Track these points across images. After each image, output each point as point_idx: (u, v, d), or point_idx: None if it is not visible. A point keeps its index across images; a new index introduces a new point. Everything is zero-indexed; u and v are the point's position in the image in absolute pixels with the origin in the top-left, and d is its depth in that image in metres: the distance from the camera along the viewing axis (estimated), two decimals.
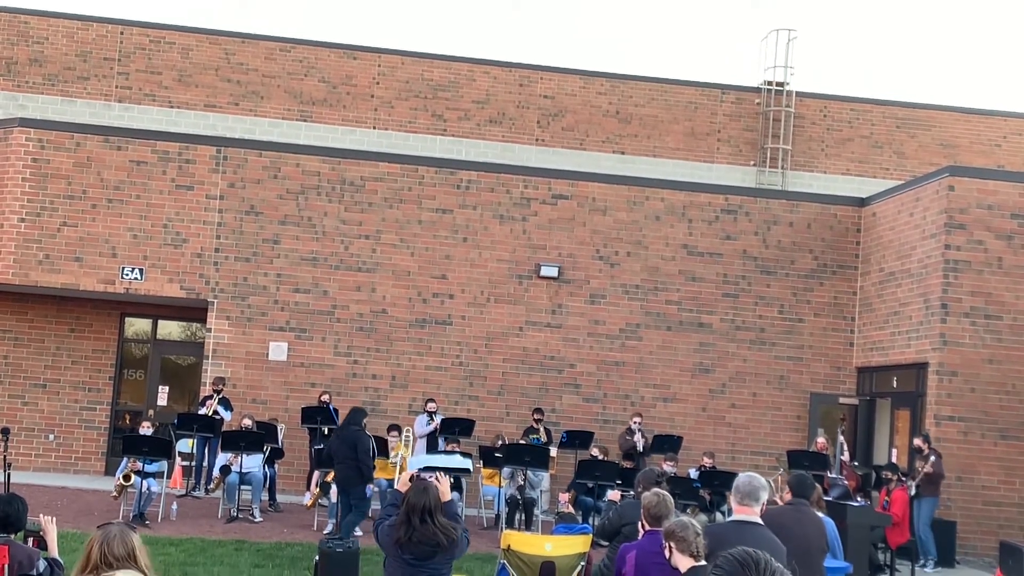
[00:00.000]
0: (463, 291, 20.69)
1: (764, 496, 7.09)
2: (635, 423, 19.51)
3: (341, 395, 19.94)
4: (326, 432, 18.43)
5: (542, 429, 19.48)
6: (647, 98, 28.13)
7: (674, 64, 56.82)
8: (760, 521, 6.99)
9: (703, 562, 6.36)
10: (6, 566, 6.81)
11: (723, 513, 17.09)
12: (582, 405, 20.68)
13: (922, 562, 16.55)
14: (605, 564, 9.36)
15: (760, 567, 3.37)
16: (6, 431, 13.35)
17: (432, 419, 19.10)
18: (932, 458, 16.75)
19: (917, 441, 17.34)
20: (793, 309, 21.16)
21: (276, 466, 18.45)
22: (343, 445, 14.62)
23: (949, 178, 18.76)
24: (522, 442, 18.38)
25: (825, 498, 13.38)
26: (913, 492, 16.66)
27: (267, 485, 17.84)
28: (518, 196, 20.97)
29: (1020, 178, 19.43)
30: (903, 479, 16.81)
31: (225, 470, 17.03)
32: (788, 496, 8.77)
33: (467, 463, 15.39)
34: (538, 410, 19.88)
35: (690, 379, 20.92)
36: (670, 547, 6.43)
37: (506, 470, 17.28)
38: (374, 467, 15.24)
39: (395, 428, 18.44)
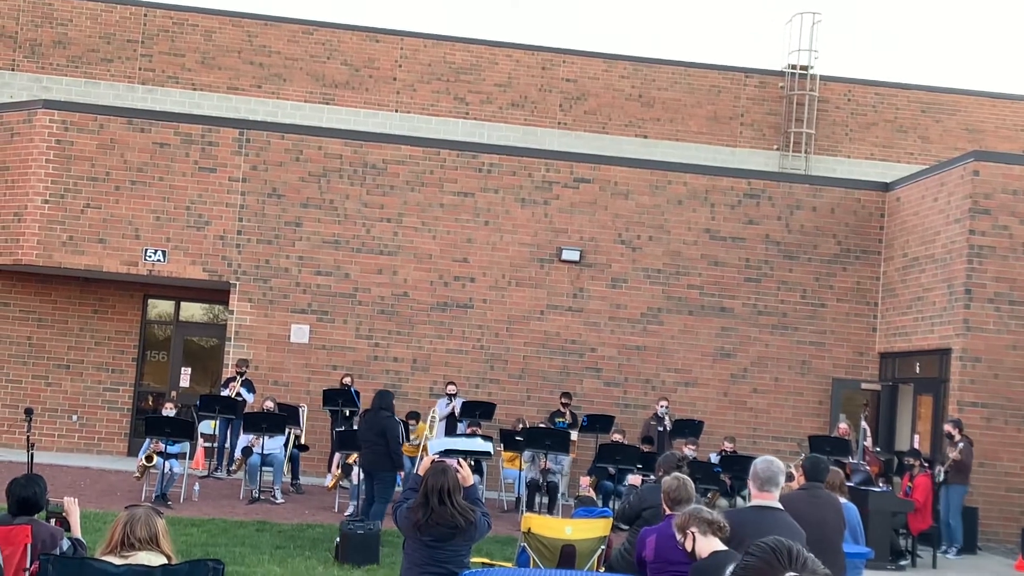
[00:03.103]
0: (484, 274, 20.68)
1: (782, 480, 7.08)
2: (661, 407, 19.50)
3: (363, 378, 19.98)
4: (347, 414, 18.50)
5: (568, 413, 19.45)
6: (670, 82, 28.02)
7: (697, 47, 56.62)
8: (779, 506, 6.96)
9: (724, 547, 6.31)
10: (29, 545, 6.85)
11: (743, 498, 17.06)
12: (603, 389, 20.67)
13: (944, 548, 16.49)
14: (625, 548, 9.36)
15: (792, 555, 3.43)
16: (30, 411, 13.38)
17: (451, 401, 19.13)
18: (961, 446, 16.61)
19: (947, 427, 17.15)
20: (816, 294, 21.08)
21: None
22: (370, 430, 14.26)
23: (974, 163, 18.63)
24: (542, 425, 18.38)
25: (847, 484, 13.35)
26: (941, 478, 16.59)
27: (291, 467, 17.95)
28: (540, 180, 20.93)
29: None
30: (925, 465, 16.74)
31: (247, 451, 17.10)
32: (802, 479, 8.72)
33: (488, 446, 15.39)
34: (566, 394, 19.81)
35: (711, 364, 20.88)
36: (691, 534, 6.35)
37: (527, 453, 17.30)
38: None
39: (414, 416, 18.48)
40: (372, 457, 14.27)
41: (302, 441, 18.69)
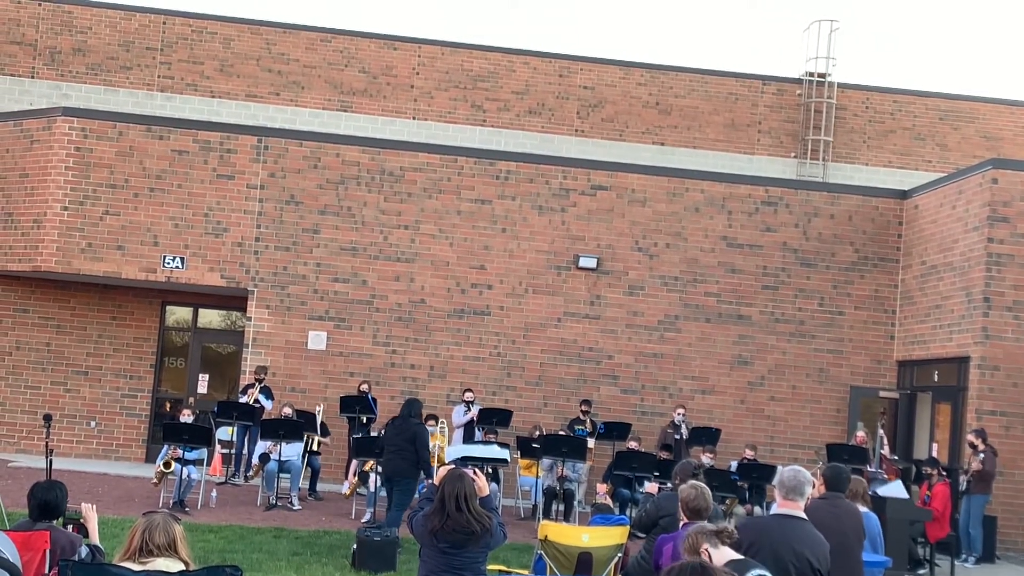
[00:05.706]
0: (501, 282, 20.69)
1: (808, 490, 7.03)
2: (679, 415, 19.48)
3: (380, 385, 20.01)
4: (364, 421, 18.50)
5: (588, 421, 19.43)
6: (687, 89, 28.01)
7: (715, 55, 56.56)
8: (803, 516, 6.92)
9: (738, 555, 6.25)
10: (47, 551, 6.89)
11: (762, 506, 17.03)
12: (620, 396, 20.65)
13: (963, 557, 16.42)
14: (643, 556, 9.36)
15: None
16: (48, 418, 13.48)
17: (469, 409, 19.14)
18: (982, 456, 16.53)
19: (970, 437, 17.05)
20: (833, 302, 21.02)
21: (319, 459, 18.49)
22: (400, 436, 14.15)
23: (992, 171, 18.56)
24: (561, 433, 18.37)
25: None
26: (964, 488, 16.51)
27: (310, 475, 17.94)
28: (557, 187, 20.94)
29: None
30: (943, 473, 16.67)
31: (264, 458, 17.12)
32: (822, 488, 8.67)
33: (504, 454, 15.38)
34: (586, 402, 19.79)
35: (729, 371, 20.83)
36: (705, 552, 6.22)
37: (545, 461, 17.27)
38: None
39: (432, 417, 18.49)
40: (398, 464, 14.15)
41: (320, 440, 18.53)
